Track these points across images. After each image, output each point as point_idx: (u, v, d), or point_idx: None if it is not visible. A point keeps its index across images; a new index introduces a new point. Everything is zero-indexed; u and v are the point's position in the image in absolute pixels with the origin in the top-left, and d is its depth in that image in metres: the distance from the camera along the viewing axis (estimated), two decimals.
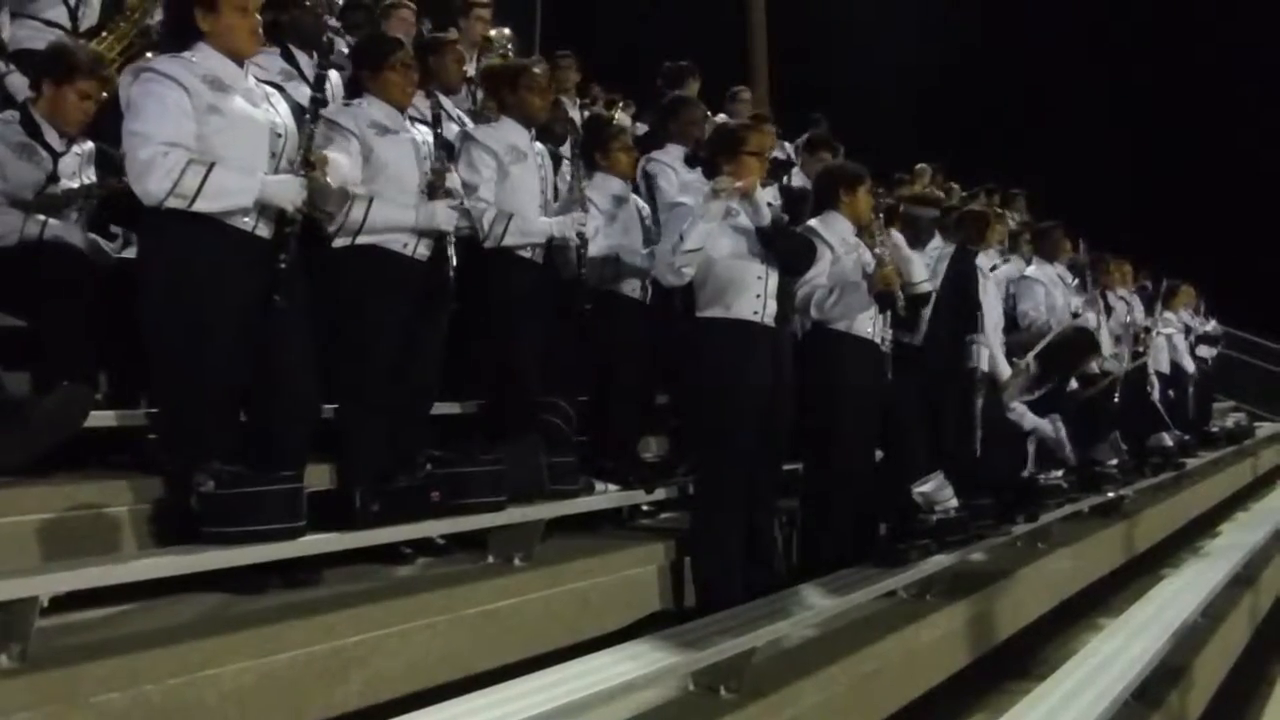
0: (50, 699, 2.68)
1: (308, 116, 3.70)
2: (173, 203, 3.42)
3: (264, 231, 3.61)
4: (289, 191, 3.57)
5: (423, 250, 4.22)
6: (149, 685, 2.84)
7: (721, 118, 7.26)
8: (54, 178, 4.08)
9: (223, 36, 3.59)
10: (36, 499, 3.43)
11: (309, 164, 3.63)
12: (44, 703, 2.66)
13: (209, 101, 3.50)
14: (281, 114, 3.74)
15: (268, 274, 3.55)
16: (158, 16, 4.75)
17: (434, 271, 4.24)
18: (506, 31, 6.72)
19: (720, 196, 4.42)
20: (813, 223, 5.23)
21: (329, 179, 3.71)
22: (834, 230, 5.18)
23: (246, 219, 3.56)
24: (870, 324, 5.15)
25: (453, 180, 4.38)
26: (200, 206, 3.44)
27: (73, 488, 3.57)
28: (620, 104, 7.02)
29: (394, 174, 4.16)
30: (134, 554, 3.48)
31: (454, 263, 4.40)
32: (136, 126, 3.46)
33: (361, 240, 4.09)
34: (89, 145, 4.27)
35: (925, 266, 6.04)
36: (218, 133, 3.51)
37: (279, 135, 3.67)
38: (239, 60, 3.65)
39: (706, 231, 4.43)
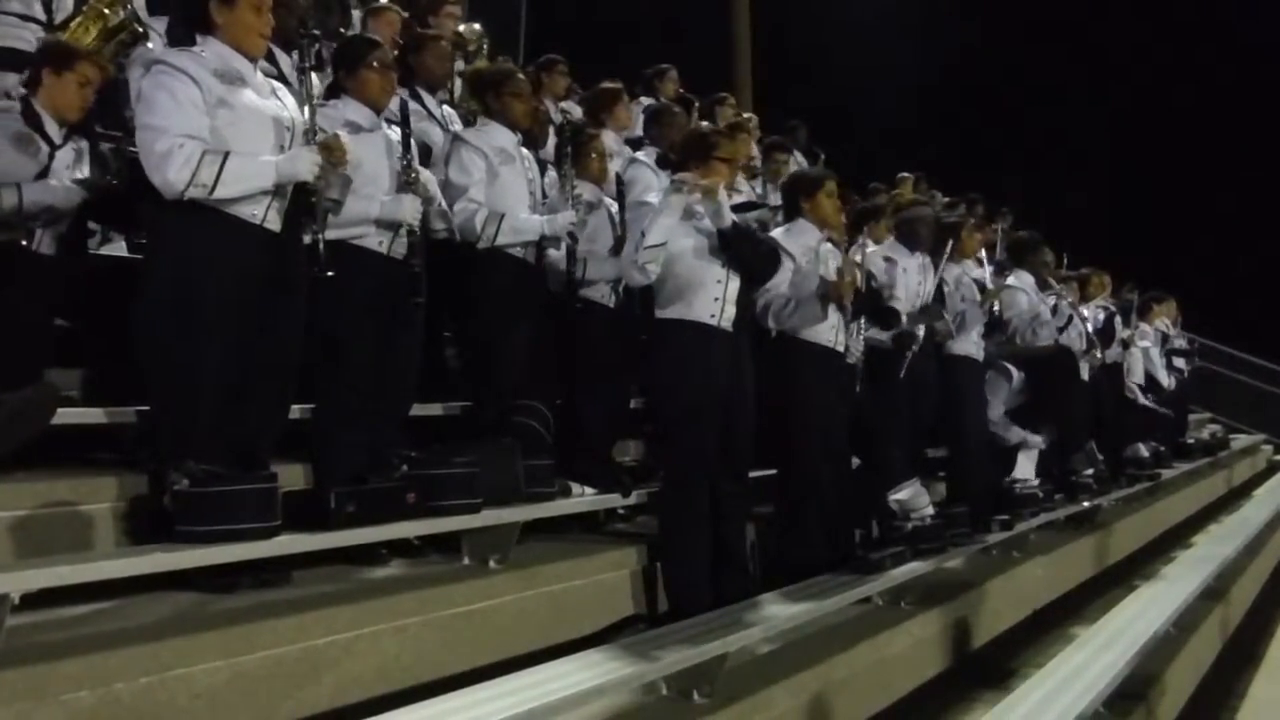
0: (20, 696, 2.67)
1: (312, 105, 3.73)
2: (193, 193, 3.43)
3: (273, 224, 3.61)
4: (303, 161, 3.59)
5: (398, 249, 4.22)
6: (119, 684, 2.84)
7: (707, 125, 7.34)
8: (46, 171, 4.06)
9: (234, 31, 3.61)
10: (9, 495, 3.43)
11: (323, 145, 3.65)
12: (13, 700, 2.66)
13: (219, 95, 3.52)
14: (289, 107, 3.76)
15: (275, 265, 3.56)
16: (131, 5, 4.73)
17: (407, 270, 4.24)
18: (476, 27, 6.75)
19: (681, 191, 4.44)
20: (776, 233, 5.26)
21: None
22: (798, 240, 5.21)
23: (255, 211, 3.57)
24: (833, 333, 5.18)
25: (426, 179, 4.38)
26: (221, 194, 3.45)
27: (46, 485, 3.56)
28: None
29: (369, 173, 4.15)
30: (107, 552, 3.48)
31: (420, 260, 4.34)
32: (151, 120, 3.47)
33: (328, 235, 4.06)
34: (84, 142, 4.24)
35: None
36: (227, 125, 3.53)
37: (287, 129, 3.69)
38: (247, 56, 3.67)
39: (668, 227, 4.44)
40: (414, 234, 4.25)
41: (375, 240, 4.18)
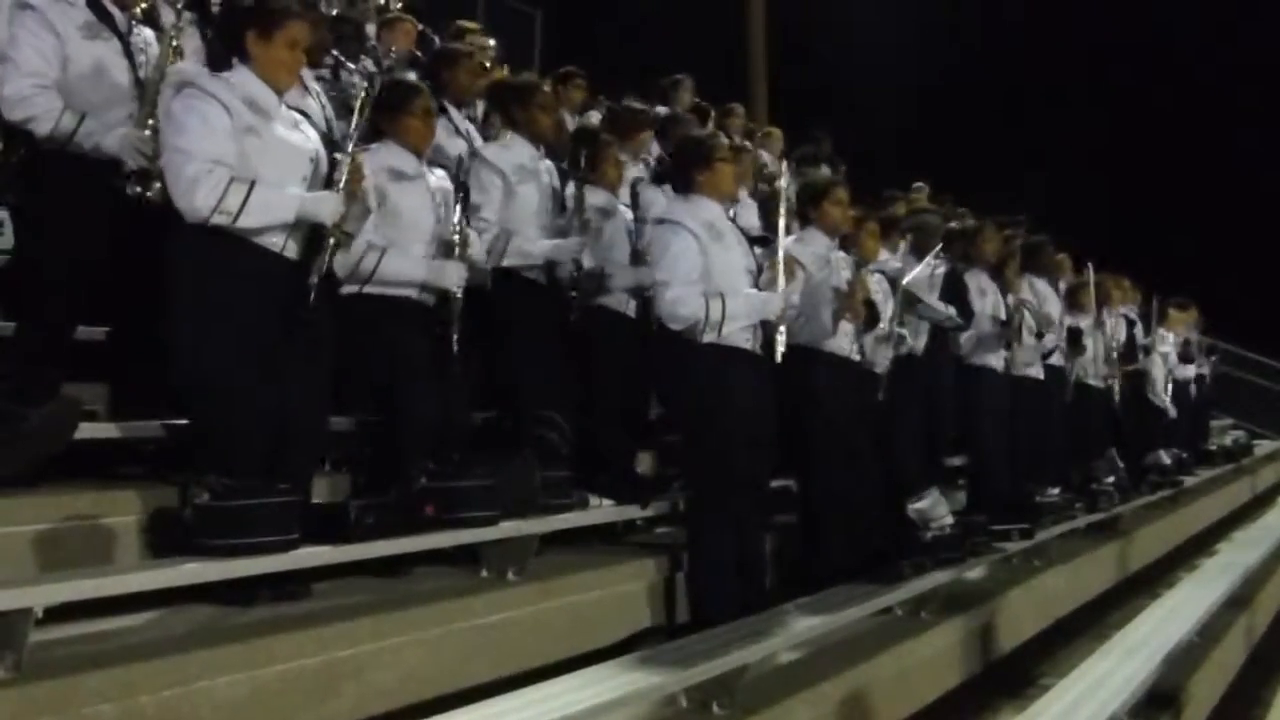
0: (43, 710, 2.69)
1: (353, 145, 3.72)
2: (217, 219, 3.41)
3: (292, 253, 3.61)
4: (328, 205, 3.57)
5: (428, 297, 4.25)
6: (143, 696, 2.86)
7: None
8: (130, 54, 3.97)
9: (266, 65, 3.60)
10: (32, 510, 3.44)
11: (350, 174, 3.63)
12: (37, 714, 2.68)
13: (248, 123, 3.51)
14: (314, 140, 3.75)
15: (293, 294, 3.56)
16: None
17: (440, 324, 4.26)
18: (491, 42, 6.78)
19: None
20: (788, 241, 5.24)
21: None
22: (809, 248, 5.22)
23: (276, 239, 3.56)
24: (848, 341, 5.17)
25: (472, 241, 4.40)
26: (244, 223, 3.44)
27: (68, 499, 3.57)
28: None
29: (409, 222, 4.17)
30: (129, 566, 3.48)
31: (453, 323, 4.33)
32: (180, 143, 3.46)
33: (369, 290, 4.12)
34: (149, 32, 4.14)
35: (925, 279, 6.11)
36: (255, 154, 3.51)
37: (312, 160, 3.69)
38: (274, 89, 3.66)
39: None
40: (456, 299, 4.25)
41: (409, 290, 4.21)
